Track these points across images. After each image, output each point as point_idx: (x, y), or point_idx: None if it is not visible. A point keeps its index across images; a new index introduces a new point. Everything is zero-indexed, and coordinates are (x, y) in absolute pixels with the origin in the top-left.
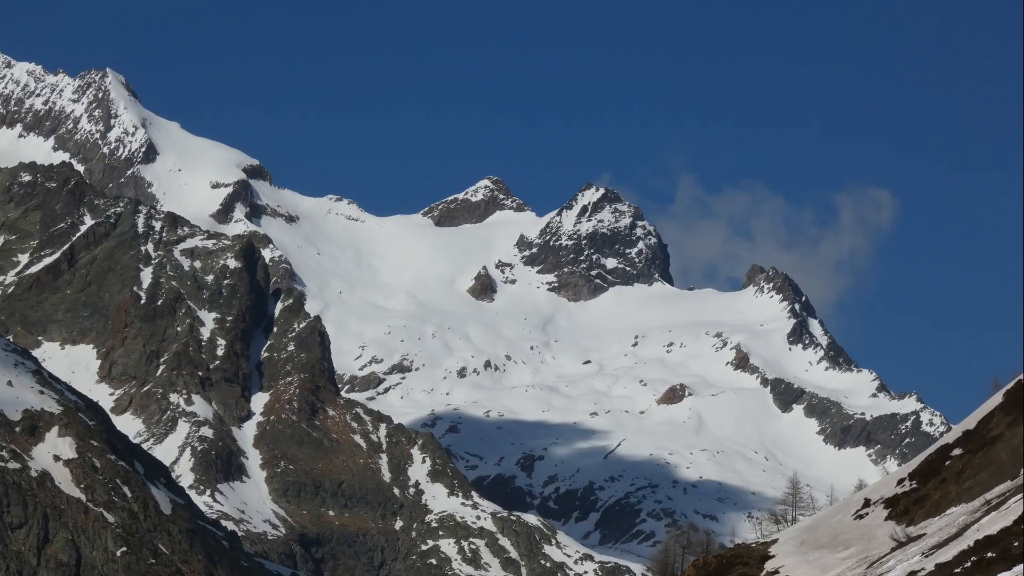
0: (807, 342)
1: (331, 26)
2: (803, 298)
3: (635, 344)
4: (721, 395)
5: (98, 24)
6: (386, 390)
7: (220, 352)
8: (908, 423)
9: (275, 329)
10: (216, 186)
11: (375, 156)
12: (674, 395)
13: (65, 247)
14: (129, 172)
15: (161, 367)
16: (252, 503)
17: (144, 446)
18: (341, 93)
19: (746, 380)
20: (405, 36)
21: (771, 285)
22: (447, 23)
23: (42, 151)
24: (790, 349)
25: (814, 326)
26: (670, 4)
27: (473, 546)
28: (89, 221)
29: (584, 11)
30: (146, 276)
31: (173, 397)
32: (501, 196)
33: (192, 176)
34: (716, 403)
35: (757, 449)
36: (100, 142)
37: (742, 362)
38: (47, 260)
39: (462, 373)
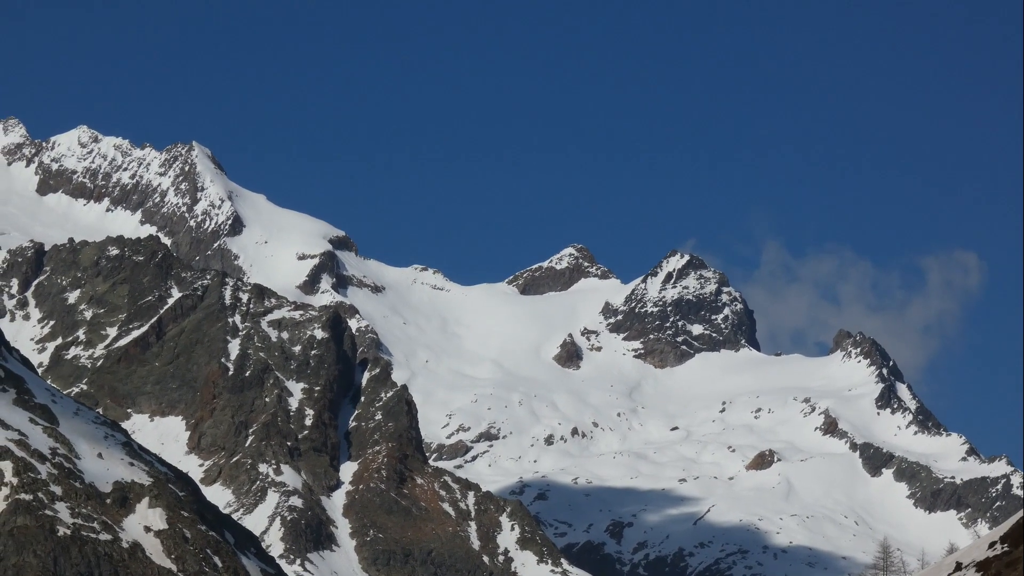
0: (895, 406)
1: (414, 101)
2: (891, 363)
3: (723, 410)
4: (810, 460)
5: (184, 99)
6: (474, 458)
7: (308, 422)
8: (999, 486)
9: (362, 398)
10: (302, 257)
11: (459, 226)
12: (763, 461)
13: (153, 320)
14: (216, 244)
15: (250, 438)
16: (342, 572)
17: (234, 516)
18: (425, 166)
19: (835, 445)
20: (487, 109)
21: (859, 350)
22: (524, 99)
23: (129, 225)
24: (878, 414)
25: (902, 390)
26: (753, 75)
27: None
28: (177, 294)
29: (667, 79)
30: (234, 347)
31: (262, 467)
32: (586, 264)
33: (278, 248)
34: (805, 468)
35: (847, 514)
36: (187, 215)
37: (831, 427)
38: (135, 333)
39: (549, 440)
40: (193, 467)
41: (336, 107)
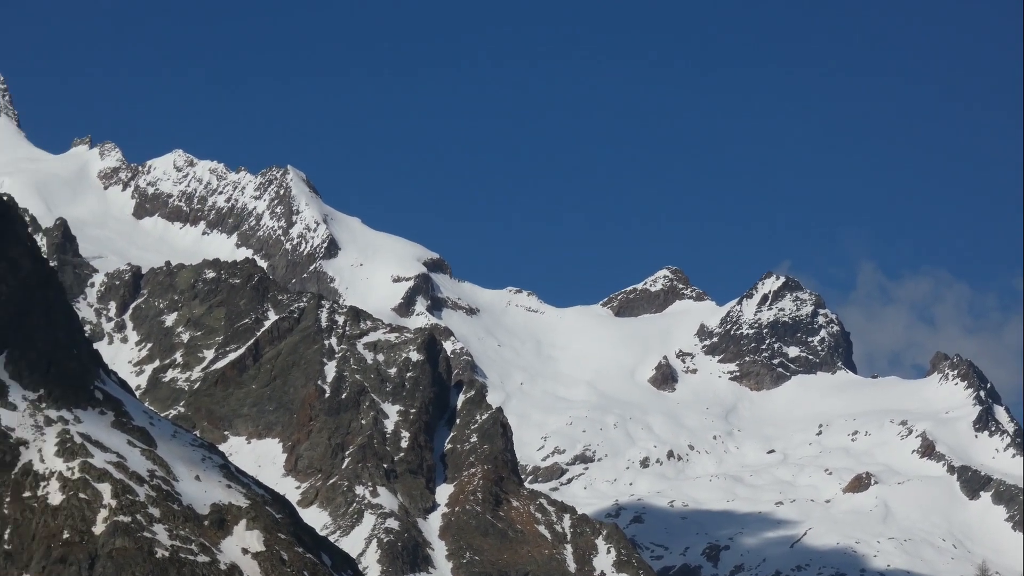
0: (993, 429)
1: (508, 125)
2: (988, 385)
3: (819, 433)
4: (907, 483)
5: (278, 122)
6: (569, 480)
7: (404, 444)
8: None
9: (458, 421)
10: (397, 280)
11: (554, 248)
12: (860, 484)
13: (250, 342)
14: (311, 267)
15: (346, 460)
16: None
17: (331, 538)
18: (520, 188)
19: (932, 468)
20: (581, 131)
21: (956, 372)
22: (619, 121)
23: (225, 248)
24: (976, 436)
25: (1000, 413)
26: (849, 97)
27: None
28: (273, 316)
29: (761, 101)
30: (330, 370)
31: (359, 489)
32: (680, 286)
33: (373, 270)
34: (902, 491)
35: (945, 537)
36: (282, 238)
37: (928, 450)
38: (232, 355)
39: (645, 463)
40: (290, 489)
41: (429, 130)
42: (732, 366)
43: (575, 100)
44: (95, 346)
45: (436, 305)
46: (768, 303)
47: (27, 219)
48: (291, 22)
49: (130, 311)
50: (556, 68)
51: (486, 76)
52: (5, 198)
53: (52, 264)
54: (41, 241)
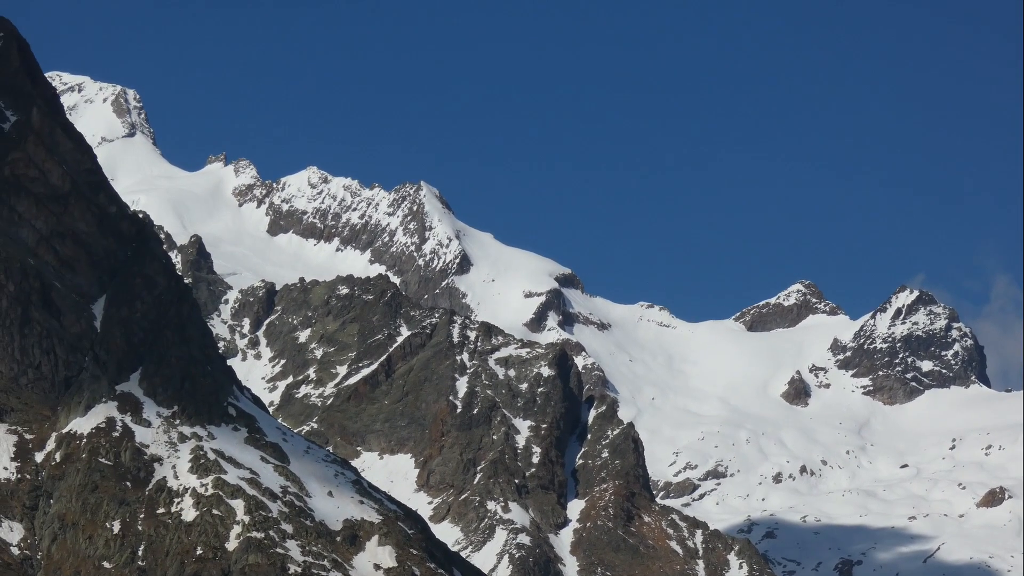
0: None
1: (635, 142)
2: None
3: (952, 447)
4: None
5: (412, 139)
6: (701, 496)
7: (535, 460)
8: None
9: (589, 436)
10: (529, 295)
11: (686, 263)
12: (994, 498)
13: (383, 358)
14: (444, 283)
15: (478, 475)
16: None
17: (463, 554)
18: (651, 204)
19: None
20: (711, 146)
21: None
22: (751, 136)
23: (359, 264)
24: None
25: None
26: (982, 109)
27: None
28: (405, 332)
29: (899, 116)
30: (462, 385)
31: (490, 505)
32: (814, 300)
33: (505, 286)
34: None
35: None
36: (415, 254)
37: None
38: (365, 371)
39: (777, 478)
40: (422, 504)
41: (560, 148)
42: (865, 380)
43: (707, 115)
44: (229, 362)
45: (568, 320)
46: (902, 317)
47: (162, 236)
48: (424, 41)
49: (264, 327)
50: (686, 85)
51: (618, 92)
52: (141, 216)
53: (187, 281)
54: (176, 258)
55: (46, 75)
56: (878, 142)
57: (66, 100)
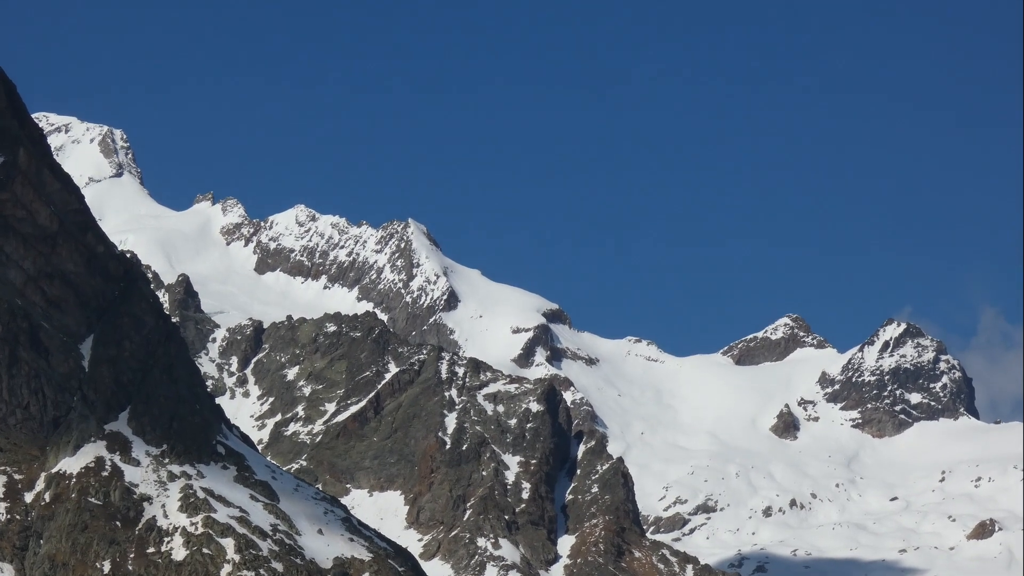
0: None
1: (623, 177)
2: None
3: (942, 479)
4: None
5: (399, 177)
6: (691, 530)
7: (525, 495)
8: None
9: (578, 471)
10: (517, 331)
11: (673, 298)
12: (984, 530)
13: (371, 395)
14: (431, 320)
15: (468, 512)
16: None
17: None
18: (637, 239)
19: None
20: (693, 183)
21: None
22: (733, 173)
23: (347, 302)
24: None
25: None
26: (962, 139)
27: None
28: (394, 369)
29: (881, 147)
30: (451, 421)
31: (481, 541)
32: (801, 333)
33: (493, 322)
34: None
35: None
36: (403, 291)
37: None
38: (353, 408)
39: (767, 512)
40: (412, 542)
41: (547, 184)
42: (854, 413)
43: (692, 149)
44: (217, 401)
45: (556, 355)
46: (890, 350)
47: (150, 276)
48: (408, 80)
49: (252, 365)
50: (668, 120)
51: (599, 132)
52: (129, 255)
53: (175, 320)
54: (164, 297)
55: (33, 116)
56: (864, 173)
57: (53, 141)
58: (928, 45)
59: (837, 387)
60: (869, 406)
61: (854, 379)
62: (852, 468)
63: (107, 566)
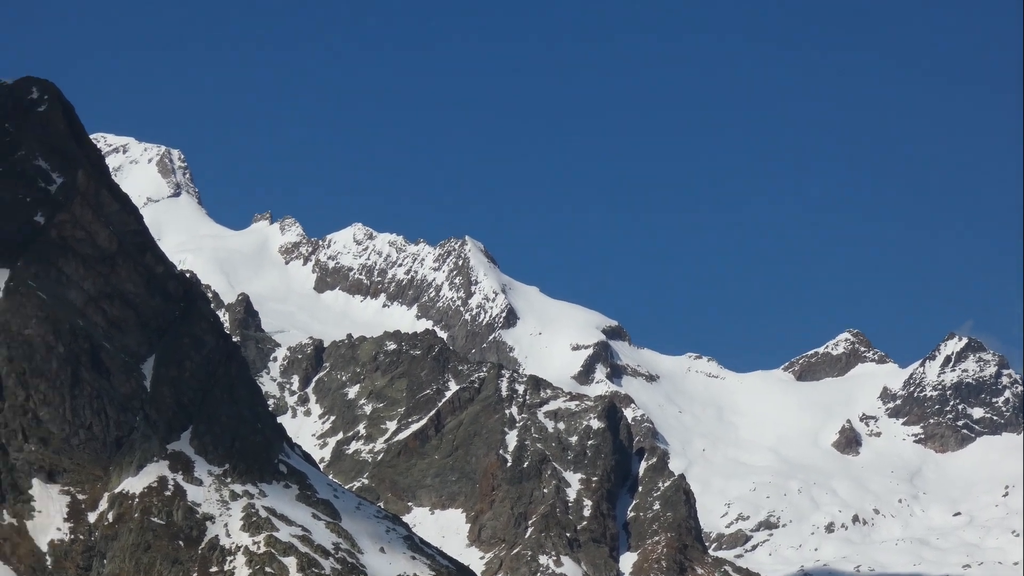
0: None
1: (682, 195)
2: None
3: (1005, 494)
4: None
5: (456, 194)
6: (754, 547)
7: (587, 513)
8: None
9: (640, 488)
10: (576, 348)
11: (733, 314)
12: None
13: (432, 413)
14: (491, 337)
15: (529, 529)
16: None
17: None
18: (696, 251)
19: None
20: (754, 197)
21: None
22: (796, 188)
23: (406, 320)
24: None
25: None
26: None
27: None
28: (454, 386)
29: (943, 159)
30: (511, 439)
31: (542, 559)
32: (862, 348)
33: (552, 339)
34: None
35: None
36: (462, 309)
37: None
38: (414, 426)
39: (830, 528)
40: (474, 560)
41: (604, 201)
42: (916, 428)
43: (752, 163)
44: (279, 420)
45: (616, 372)
46: (951, 364)
47: (210, 295)
48: (465, 98)
49: (313, 384)
50: (730, 135)
51: (661, 144)
52: (188, 275)
53: (235, 339)
54: (224, 317)
55: (91, 137)
56: (925, 188)
57: (111, 161)
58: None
59: (899, 402)
60: (931, 421)
61: (916, 394)
62: (915, 483)
63: None
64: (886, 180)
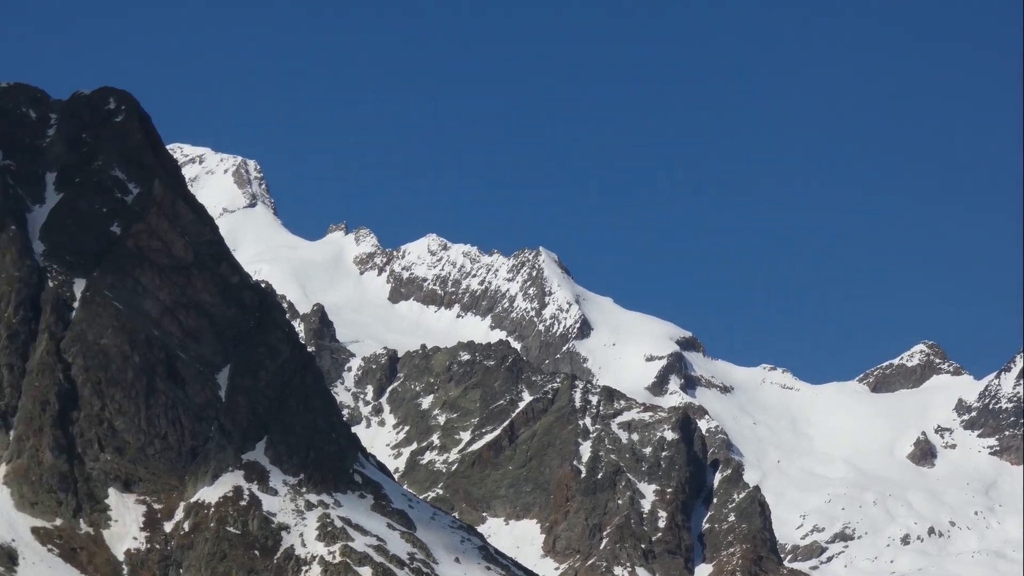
0: None
1: (752, 205)
2: None
3: None
4: None
5: (530, 205)
6: (829, 559)
7: (661, 524)
8: None
9: (715, 500)
10: (650, 359)
11: (808, 325)
12: None
13: (505, 423)
14: (564, 348)
15: (604, 540)
16: None
17: None
18: (770, 263)
19: None
20: (830, 209)
21: None
22: (871, 202)
23: (479, 330)
24: None
25: None
26: None
27: None
28: (527, 397)
29: (1005, 173)
30: (585, 450)
31: (617, 570)
32: (937, 360)
33: (626, 350)
34: None
35: None
36: (535, 319)
37: None
38: (488, 437)
39: (906, 540)
40: (549, 570)
41: (677, 213)
42: (992, 440)
43: (825, 180)
44: (353, 430)
45: (690, 383)
46: None
47: (285, 306)
48: (536, 111)
49: (387, 394)
50: (804, 152)
51: (731, 160)
52: (263, 285)
53: (310, 349)
54: (299, 327)
55: (167, 147)
56: (994, 194)
57: (187, 172)
58: None
59: (974, 414)
60: (1007, 433)
61: (991, 406)
62: (990, 496)
63: None
64: (957, 190)
